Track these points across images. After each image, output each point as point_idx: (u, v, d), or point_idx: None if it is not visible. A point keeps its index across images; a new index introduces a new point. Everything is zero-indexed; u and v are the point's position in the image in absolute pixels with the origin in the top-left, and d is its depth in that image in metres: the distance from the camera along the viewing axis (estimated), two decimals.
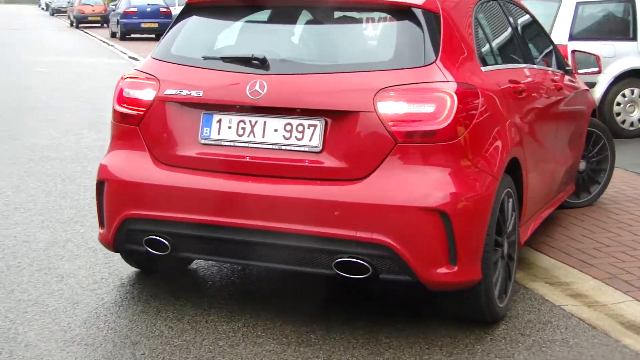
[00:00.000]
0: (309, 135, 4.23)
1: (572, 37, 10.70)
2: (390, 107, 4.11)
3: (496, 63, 5.09)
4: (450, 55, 4.35)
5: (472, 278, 4.24)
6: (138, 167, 4.55)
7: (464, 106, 4.17)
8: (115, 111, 4.73)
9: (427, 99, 4.13)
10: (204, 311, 4.73)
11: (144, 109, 4.57)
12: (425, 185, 4.08)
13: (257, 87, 4.28)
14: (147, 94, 4.58)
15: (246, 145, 4.34)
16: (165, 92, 4.51)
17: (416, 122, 4.10)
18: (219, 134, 4.40)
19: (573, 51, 6.67)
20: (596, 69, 6.72)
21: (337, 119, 4.20)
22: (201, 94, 4.43)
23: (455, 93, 4.15)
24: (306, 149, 4.24)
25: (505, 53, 5.47)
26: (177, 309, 4.75)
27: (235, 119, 4.39)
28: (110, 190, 4.62)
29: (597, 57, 6.78)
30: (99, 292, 5.01)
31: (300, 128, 4.26)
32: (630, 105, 10.99)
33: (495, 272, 4.53)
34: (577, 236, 6.23)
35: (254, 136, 4.34)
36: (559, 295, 5.09)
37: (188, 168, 4.43)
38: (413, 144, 4.10)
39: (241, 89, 4.32)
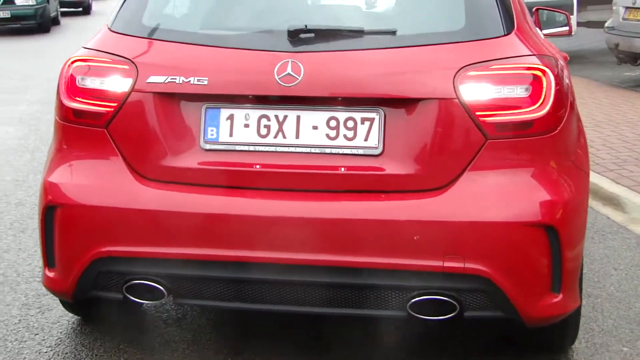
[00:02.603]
0: (364, 133, 3.21)
1: None
2: (475, 92, 3.15)
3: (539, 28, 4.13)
4: (524, 21, 3.48)
5: (573, 307, 3.39)
6: (113, 185, 3.32)
7: (558, 87, 3.24)
8: (64, 107, 3.42)
9: (519, 78, 3.19)
10: None
11: (114, 105, 3.32)
12: (526, 193, 3.19)
13: (289, 70, 3.18)
14: (117, 84, 3.33)
15: (273, 149, 3.24)
16: (148, 81, 3.30)
17: (509, 110, 3.17)
18: (231, 135, 3.28)
19: (537, 9, 5.46)
20: (566, 29, 5.54)
21: (401, 110, 3.21)
22: (205, 82, 3.25)
23: (549, 69, 3.22)
24: (360, 151, 3.20)
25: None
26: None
27: (253, 114, 3.27)
28: (69, 220, 3.35)
29: (568, 16, 5.65)
30: None
31: (350, 124, 3.22)
32: None
33: None
34: None
35: (284, 137, 3.24)
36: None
37: (187, 184, 3.28)
38: (506, 139, 3.18)
39: (267, 73, 3.20)
